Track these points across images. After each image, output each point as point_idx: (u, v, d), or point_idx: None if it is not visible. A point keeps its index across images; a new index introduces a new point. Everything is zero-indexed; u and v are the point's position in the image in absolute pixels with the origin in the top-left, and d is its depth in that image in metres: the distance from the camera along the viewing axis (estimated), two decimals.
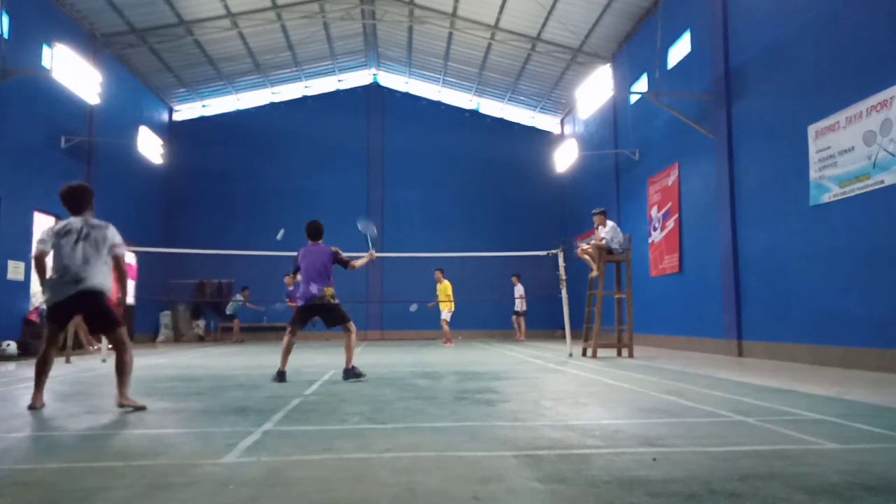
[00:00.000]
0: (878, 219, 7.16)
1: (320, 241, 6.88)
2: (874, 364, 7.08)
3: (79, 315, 4.75)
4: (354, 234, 21.89)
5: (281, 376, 6.27)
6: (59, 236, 4.55)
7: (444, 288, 14.91)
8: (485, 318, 19.13)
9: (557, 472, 2.60)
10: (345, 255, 6.78)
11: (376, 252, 7.43)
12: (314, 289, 6.49)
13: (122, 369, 4.53)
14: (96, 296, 4.50)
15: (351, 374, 6.38)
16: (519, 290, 16.51)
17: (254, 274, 17.42)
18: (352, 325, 6.64)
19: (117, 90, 15.48)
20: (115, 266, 4.69)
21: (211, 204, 19.61)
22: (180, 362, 9.43)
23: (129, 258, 16.16)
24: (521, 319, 16.71)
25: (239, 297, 17.43)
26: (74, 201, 4.69)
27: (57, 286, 4.47)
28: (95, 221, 4.69)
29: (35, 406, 4.49)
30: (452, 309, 15.00)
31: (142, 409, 4.49)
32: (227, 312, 17.56)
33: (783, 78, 9.01)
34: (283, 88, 20.62)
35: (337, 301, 6.63)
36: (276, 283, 16.53)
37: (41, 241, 4.58)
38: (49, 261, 4.63)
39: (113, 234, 4.68)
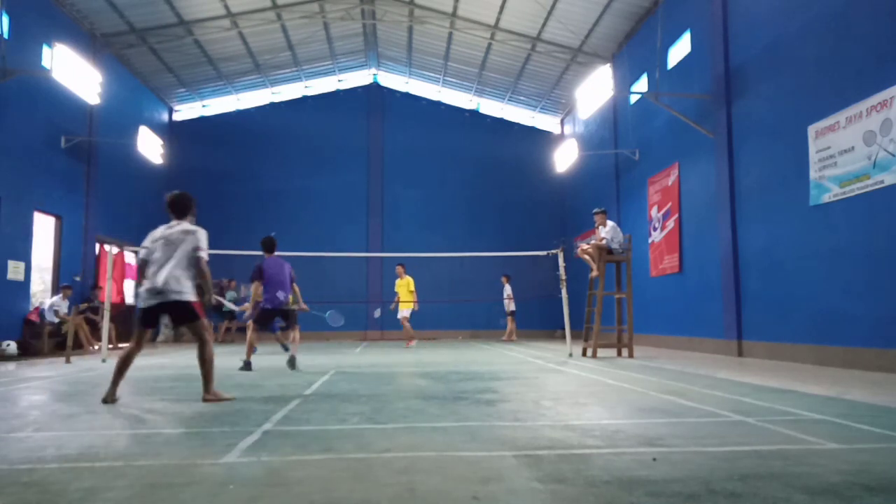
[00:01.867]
0: (878, 219, 7.16)
1: (275, 254, 8.02)
2: (875, 364, 7.08)
3: (165, 315, 5.06)
4: (354, 234, 21.79)
5: (248, 366, 7.44)
6: (153, 241, 5.03)
7: (406, 284, 13.93)
8: (485, 318, 19.13)
9: (557, 472, 2.60)
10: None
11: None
12: (282, 296, 7.75)
13: (203, 363, 4.89)
14: (175, 304, 4.89)
15: (294, 362, 7.56)
16: (507, 290, 16.64)
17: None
18: (297, 326, 8.04)
19: (117, 90, 15.48)
20: (196, 269, 4.99)
21: (211, 204, 19.51)
22: (180, 362, 9.43)
23: (130, 258, 16.17)
24: (510, 318, 16.85)
25: (232, 293, 17.20)
26: (177, 207, 5.18)
27: (144, 293, 4.89)
28: (186, 227, 5.06)
29: (107, 400, 4.74)
30: (414, 307, 14.20)
31: (230, 400, 4.84)
32: (225, 310, 17.31)
33: (783, 78, 9.01)
34: (283, 88, 20.61)
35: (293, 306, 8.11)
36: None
37: (142, 247, 5.14)
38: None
39: (195, 240, 4.99)
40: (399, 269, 14.18)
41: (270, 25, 16.26)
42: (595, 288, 9.96)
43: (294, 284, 8.14)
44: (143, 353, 11.62)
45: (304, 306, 8.52)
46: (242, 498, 2.27)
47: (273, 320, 8.10)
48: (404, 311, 14.02)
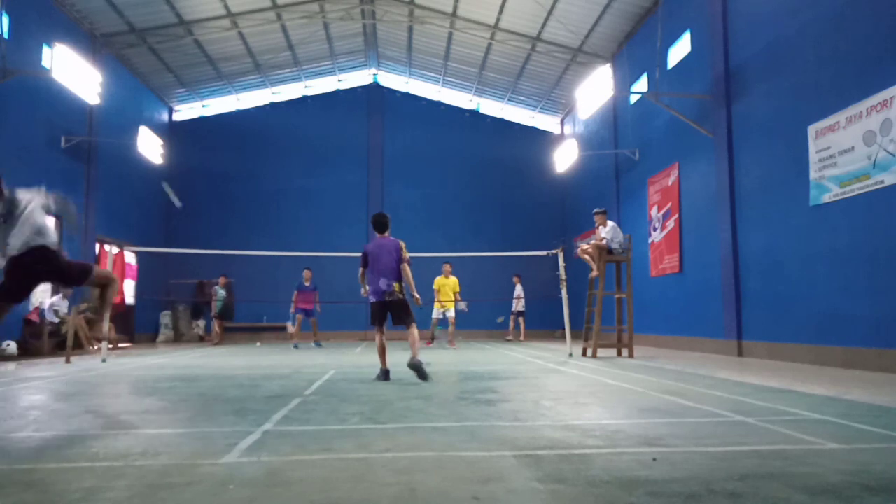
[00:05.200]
0: (878, 219, 7.16)
1: (387, 234, 6.70)
2: (875, 364, 7.08)
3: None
4: (354, 234, 21.67)
5: (385, 375, 6.35)
6: None
7: (452, 284, 13.79)
8: (485, 318, 19.11)
9: (557, 472, 2.60)
10: (408, 255, 6.58)
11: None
12: (383, 284, 6.33)
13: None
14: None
15: (418, 365, 6.20)
16: (518, 290, 16.51)
17: (253, 274, 17.39)
18: (413, 322, 6.47)
19: (117, 90, 15.47)
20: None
21: (211, 204, 19.60)
22: (180, 362, 9.43)
23: (130, 258, 16.17)
24: (521, 319, 16.71)
25: (221, 291, 15.91)
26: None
27: None
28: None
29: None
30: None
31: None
32: (216, 312, 16.50)
33: (783, 78, 9.01)
34: (283, 88, 20.61)
35: (404, 296, 6.47)
36: (275, 282, 16.53)
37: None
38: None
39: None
40: (447, 267, 13.79)
41: (270, 25, 16.26)
42: (595, 288, 9.96)
43: (406, 266, 6.50)
44: (143, 353, 11.66)
45: (416, 295, 6.79)
46: (242, 498, 2.27)
47: (385, 316, 6.44)
48: (451, 310, 13.73)
